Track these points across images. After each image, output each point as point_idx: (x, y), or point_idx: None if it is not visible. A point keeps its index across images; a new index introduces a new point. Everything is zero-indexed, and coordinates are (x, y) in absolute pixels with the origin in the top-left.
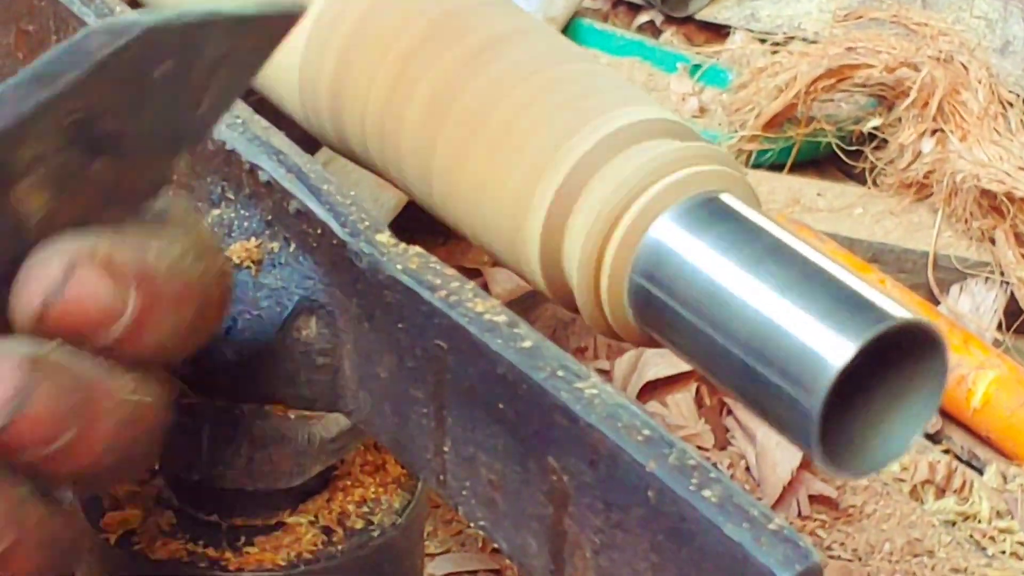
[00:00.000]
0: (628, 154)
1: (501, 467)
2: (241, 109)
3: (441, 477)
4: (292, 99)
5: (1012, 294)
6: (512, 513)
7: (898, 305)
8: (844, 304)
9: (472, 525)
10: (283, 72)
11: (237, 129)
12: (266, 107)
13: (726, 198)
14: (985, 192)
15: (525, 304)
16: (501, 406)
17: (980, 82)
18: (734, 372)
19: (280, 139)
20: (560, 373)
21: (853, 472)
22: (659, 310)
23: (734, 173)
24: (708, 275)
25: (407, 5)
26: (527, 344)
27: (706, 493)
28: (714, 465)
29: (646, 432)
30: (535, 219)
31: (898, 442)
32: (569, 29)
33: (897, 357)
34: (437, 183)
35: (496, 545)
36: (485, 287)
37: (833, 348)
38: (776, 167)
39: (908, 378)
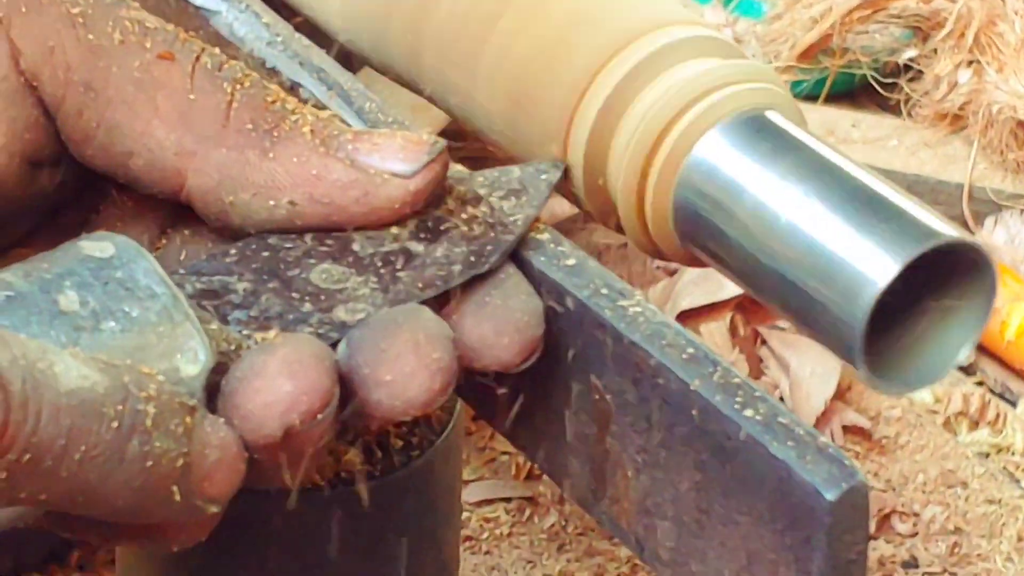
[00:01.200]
0: (674, 71)
1: (544, 387)
2: (282, 27)
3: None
4: (335, 16)
5: None
6: (553, 432)
7: (946, 223)
8: (890, 221)
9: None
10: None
11: (277, 47)
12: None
13: (772, 115)
14: (1021, 123)
15: (562, 230)
16: (546, 325)
17: (1017, 13)
18: (779, 289)
19: (321, 56)
20: (604, 291)
21: (898, 387)
22: (704, 226)
23: (780, 91)
24: (753, 192)
25: None
26: (571, 262)
27: (750, 412)
28: None
29: (690, 351)
30: (579, 133)
31: (945, 360)
32: None
33: (945, 276)
34: (480, 94)
35: (535, 466)
36: None
37: (878, 265)
38: (810, 98)
39: (956, 297)
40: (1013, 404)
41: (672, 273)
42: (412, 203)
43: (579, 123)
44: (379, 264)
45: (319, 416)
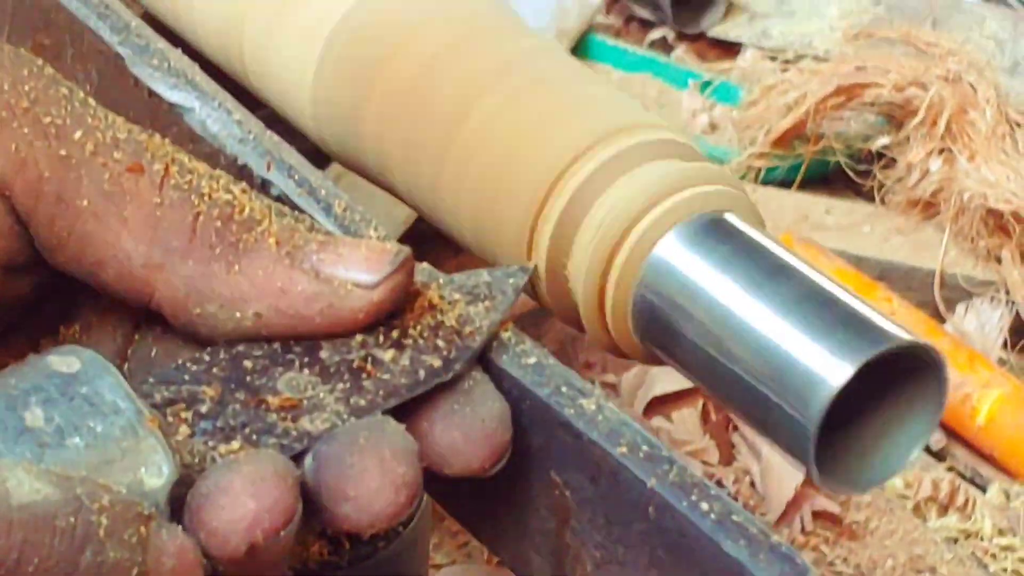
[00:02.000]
0: (634, 174)
1: (506, 482)
2: (253, 124)
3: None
4: (304, 113)
5: (1018, 313)
6: (515, 527)
7: (898, 326)
8: (843, 325)
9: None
10: (296, 87)
11: (249, 144)
12: (276, 122)
13: (730, 218)
14: (992, 211)
15: (533, 319)
16: None
17: (988, 102)
18: (734, 390)
19: (291, 154)
20: (564, 389)
21: (850, 488)
22: (662, 327)
23: (738, 193)
24: (711, 294)
25: (419, 26)
26: (531, 360)
27: (705, 508)
28: (717, 482)
29: (647, 449)
30: (541, 236)
31: (896, 460)
32: (581, 44)
33: (898, 375)
34: (445, 198)
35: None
36: None
37: (831, 369)
38: (785, 184)
39: (909, 397)
40: (983, 489)
41: None
42: (376, 313)
43: (543, 225)
44: (345, 372)
45: (282, 533)
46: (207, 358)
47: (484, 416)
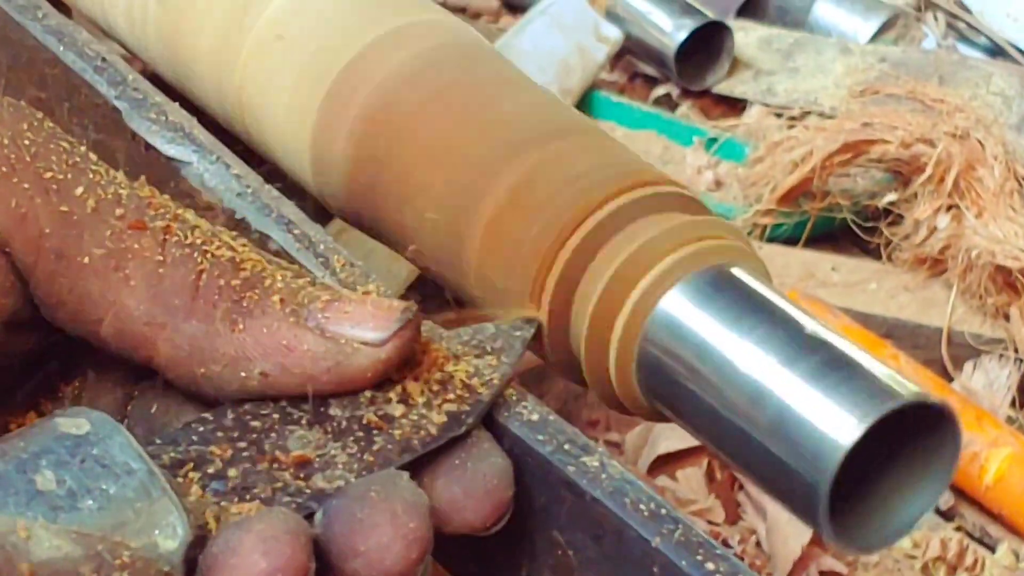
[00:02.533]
0: (638, 227)
1: (507, 541)
2: (252, 178)
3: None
4: (304, 170)
5: None
6: None
7: (907, 383)
8: (853, 382)
9: None
10: (296, 143)
11: (247, 198)
12: (277, 176)
13: (737, 272)
14: (1000, 268)
15: (535, 377)
16: None
17: (996, 158)
18: (741, 448)
19: (290, 208)
20: (566, 447)
21: (862, 547)
22: (667, 383)
23: (744, 247)
24: (717, 349)
25: (418, 80)
26: (534, 417)
27: (711, 568)
28: (723, 542)
29: (652, 507)
30: (546, 290)
31: (908, 518)
32: (585, 101)
33: (909, 433)
34: (445, 256)
35: None
36: None
37: (841, 427)
38: (791, 241)
39: (920, 454)
40: (992, 549)
41: None
42: (384, 371)
43: (548, 280)
44: (356, 428)
45: None
46: (213, 418)
47: (486, 472)
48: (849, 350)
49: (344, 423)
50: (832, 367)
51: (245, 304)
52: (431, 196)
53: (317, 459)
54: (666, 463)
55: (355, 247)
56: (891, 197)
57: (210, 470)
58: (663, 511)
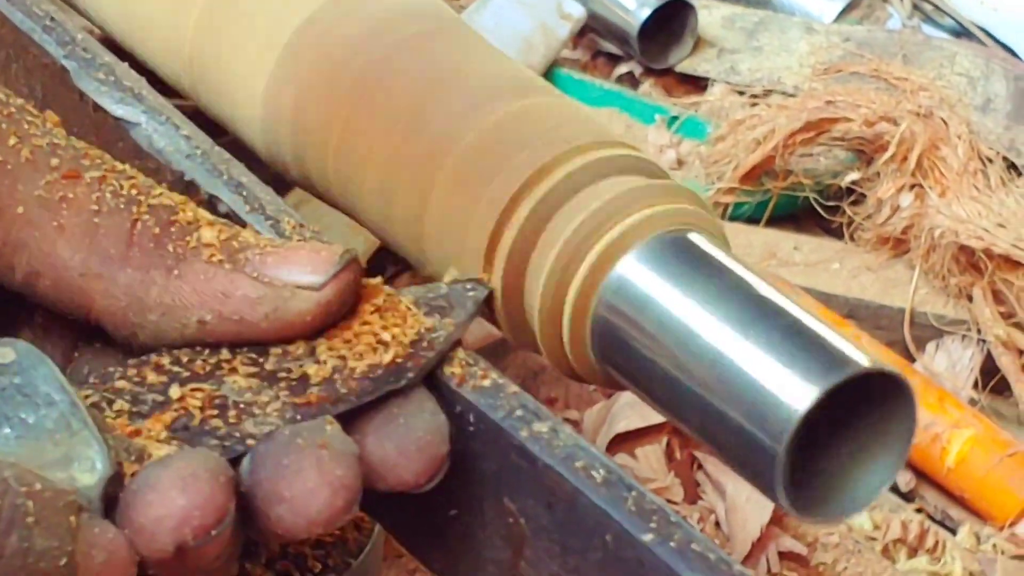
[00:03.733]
0: (594, 190)
1: (459, 509)
2: (201, 139)
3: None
4: (255, 135)
5: (989, 352)
6: (468, 556)
7: (864, 352)
8: (809, 349)
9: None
10: (247, 108)
11: (196, 160)
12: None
13: (694, 237)
14: (963, 248)
15: (494, 352)
16: (458, 446)
17: (960, 138)
18: (697, 414)
19: (240, 170)
20: (518, 412)
21: (819, 519)
22: (623, 349)
23: (702, 212)
24: (672, 314)
25: (371, 43)
26: (485, 383)
27: (664, 537)
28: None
29: (605, 474)
30: (499, 256)
31: (866, 491)
32: (547, 78)
33: (865, 406)
34: (399, 222)
35: None
36: None
37: (797, 393)
38: (753, 220)
39: (878, 426)
40: (953, 531)
41: (610, 395)
42: (323, 316)
43: (501, 245)
44: (292, 377)
45: (213, 532)
46: (151, 360)
47: (419, 428)
48: (806, 319)
49: (282, 372)
50: (789, 334)
51: (180, 252)
52: (383, 160)
53: (250, 405)
54: (624, 441)
55: (314, 219)
56: (854, 176)
57: (141, 410)
58: (616, 478)
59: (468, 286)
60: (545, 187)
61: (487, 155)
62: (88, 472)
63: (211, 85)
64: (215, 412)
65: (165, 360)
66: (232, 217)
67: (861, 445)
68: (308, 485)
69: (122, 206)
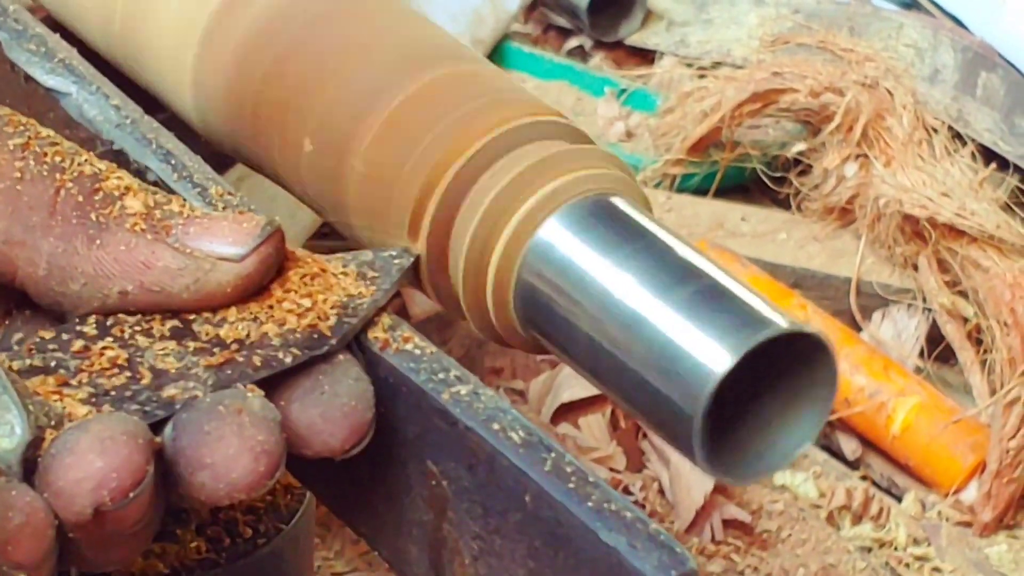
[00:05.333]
0: (516, 155)
1: (382, 473)
2: (131, 109)
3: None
4: (191, 114)
5: (934, 321)
6: (392, 519)
7: (782, 314)
8: (728, 312)
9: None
10: (177, 78)
11: (126, 129)
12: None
13: (616, 201)
14: (908, 218)
15: (437, 325)
16: (381, 410)
17: (905, 108)
18: (617, 377)
19: (168, 139)
20: (440, 376)
21: (738, 478)
22: (545, 313)
23: (625, 177)
24: (594, 278)
25: (297, 9)
26: (409, 347)
27: (582, 496)
28: (625, 489)
29: (524, 436)
30: (424, 223)
31: (787, 450)
32: (497, 52)
33: (788, 365)
34: (326, 192)
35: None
36: (403, 308)
37: (715, 356)
38: (701, 191)
39: (800, 386)
40: (898, 499)
41: (555, 365)
42: (244, 287)
43: (427, 213)
44: (215, 344)
45: (131, 494)
46: (76, 327)
47: (343, 394)
48: (725, 281)
49: (205, 338)
50: (708, 297)
51: (102, 221)
52: (310, 125)
53: (173, 371)
54: (569, 411)
55: (257, 193)
56: (800, 147)
57: (63, 376)
58: (536, 439)
59: (394, 252)
60: (469, 153)
61: (411, 121)
62: (7, 436)
63: (142, 61)
64: (136, 377)
65: (88, 327)
66: (161, 186)
67: (784, 405)
68: (230, 451)
69: (45, 173)
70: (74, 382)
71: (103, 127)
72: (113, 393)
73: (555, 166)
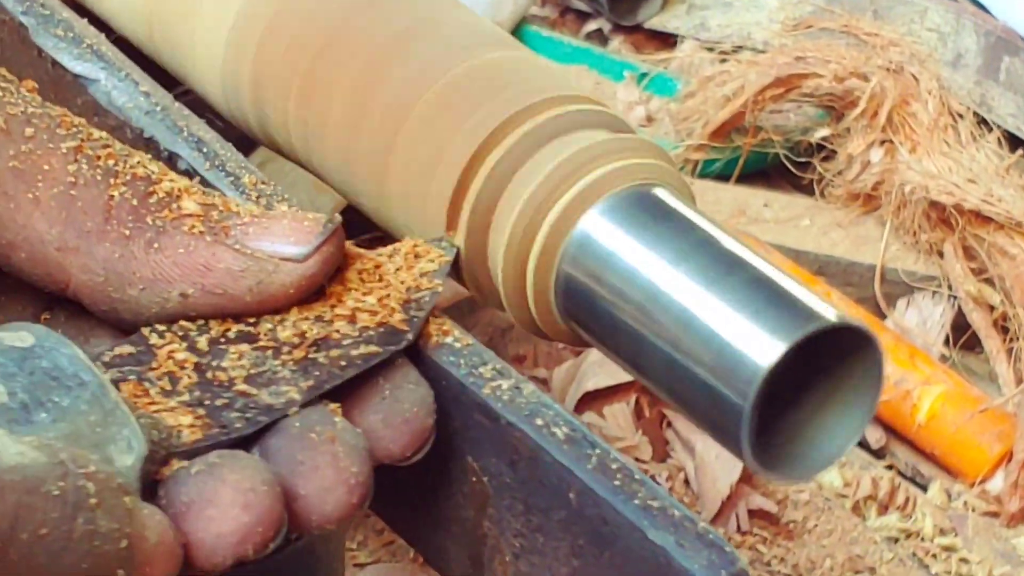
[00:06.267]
0: (557, 145)
1: (421, 469)
2: (161, 96)
3: None
4: (217, 97)
5: (960, 309)
6: (431, 516)
7: (830, 306)
8: (775, 303)
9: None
10: (208, 69)
11: (156, 116)
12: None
13: (658, 192)
14: (934, 204)
15: (461, 311)
16: None
17: (930, 93)
18: (662, 371)
19: (200, 126)
20: (481, 370)
21: (785, 477)
22: (587, 306)
23: (667, 167)
24: (637, 269)
25: None
26: (449, 340)
27: (628, 495)
28: (651, 479)
29: (568, 432)
30: (463, 213)
31: (833, 449)
32: (516, 35)
33: (833, 361)
34: (361, 179)
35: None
36: None
37: (763, 349)
38: (723, 177)
39: (846, 383)
40: (924, 488)
41: (578, 353)
42: (308, 287)
43: (465, 203)
44: (292, 344)
45: (271, 545)
46: (147, 336)
47: (404, 399)
48: (773, 273)
49: (282, 339)
50: (755, 289)
51: (160, 224)
52: (345, 117)
53: (259, 376)
54: (593, 400)
55: (279, 178)
56: (824, 132)
57: (151, 388)
58: (580, 435)
59: (437, 243)
60: (509, 143)
61: (450, 111)
62: (125, 452)
63: (171, 42)
64: (221, 383)
65: (162, 337)
66: (192, 174)
67: (829, 401)
68: (325, 483)
69: (99, 177)
70: (163, 392)
71: (132, 114)
72: (207, 402)
73: (596, 157)
